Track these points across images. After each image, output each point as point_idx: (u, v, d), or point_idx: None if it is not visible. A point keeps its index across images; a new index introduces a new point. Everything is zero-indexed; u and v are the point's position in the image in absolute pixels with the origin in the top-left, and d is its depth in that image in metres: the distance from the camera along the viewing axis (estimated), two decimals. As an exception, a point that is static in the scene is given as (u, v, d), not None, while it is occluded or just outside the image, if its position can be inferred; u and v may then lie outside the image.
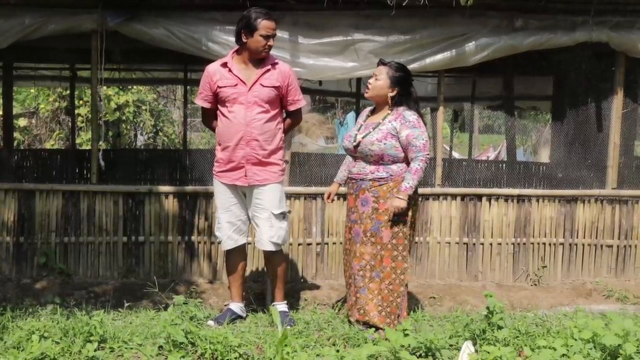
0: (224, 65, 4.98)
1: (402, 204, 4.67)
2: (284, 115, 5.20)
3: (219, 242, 5.20)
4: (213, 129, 5.21)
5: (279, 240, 5.03)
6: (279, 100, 5.03)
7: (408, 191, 4.68)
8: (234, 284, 5.16)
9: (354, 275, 4.86)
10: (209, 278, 6.34)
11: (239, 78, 4.92)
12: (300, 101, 5.17)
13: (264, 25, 4.81)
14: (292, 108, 5.14)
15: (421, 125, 4.75)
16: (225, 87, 4.93)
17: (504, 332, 4.35)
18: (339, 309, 5.47)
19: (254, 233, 5.23)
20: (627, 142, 7.31)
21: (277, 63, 5.02)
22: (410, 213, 4.81)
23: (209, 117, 5.19)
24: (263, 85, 4.91)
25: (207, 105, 5.10)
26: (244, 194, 5.05)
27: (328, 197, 5.29)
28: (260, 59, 4.95)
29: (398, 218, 4.73)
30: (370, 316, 4.77)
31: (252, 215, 5.05)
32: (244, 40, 4.87)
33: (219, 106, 5.03)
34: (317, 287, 6.17)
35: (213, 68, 5.03)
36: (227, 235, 5.05)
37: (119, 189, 6.38)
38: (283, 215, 5.05)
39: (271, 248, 5.02)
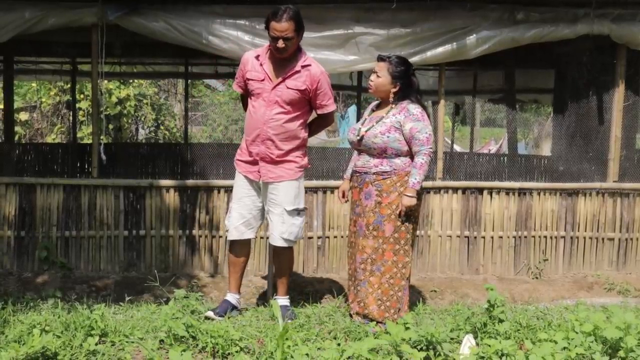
0: (257, 57, 4.88)
1: (412, 201, 4.67)
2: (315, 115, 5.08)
3: (227, 231, 5.12)
4: None
5: (290, 236, 4.96)
6: (305, 102, 4.89)
7: (416, 187, 4.66)
8: (234, 275, 5.14)
9: (356, 268, 4.86)
10: (210, 272, 6.34)
11: (267, 74, 4.81)
12: (329, 106, 4.99)
13: (271, 27, 4.68)
14: (320, 112, 5.00)
15: (425, 119, 4.74)
16: (252, 80, 4.84)
17: (505, 325, 4.35)
18: (340, 303, 5.47)
19: (264, 227, 5.19)
20: (628, 135, 7.31)
21: (309, 65, 4.87)
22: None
23: (246, 102, 5.09)
24: (287, 87, 4.79)
25: (240, 91, 5.06)
26: (259, 188, 4.98)
27: (343, 196, 5.19)
28: (290, 58, 4.82)
29: (408, 217, 4.73)
30: (369, 309, 4.76)
31: (267, 210, 5.00)
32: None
33: (249, 97, 4.96)
34: (318, 281, 6.18)
35: (247, 57, 4.94)
36: (235, 226, 4.99)
37: (120, 183, 6.38)
38: (297, 212, 4.96)
39: (281, 244, 4.97)
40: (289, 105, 4.81)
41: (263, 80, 4.82)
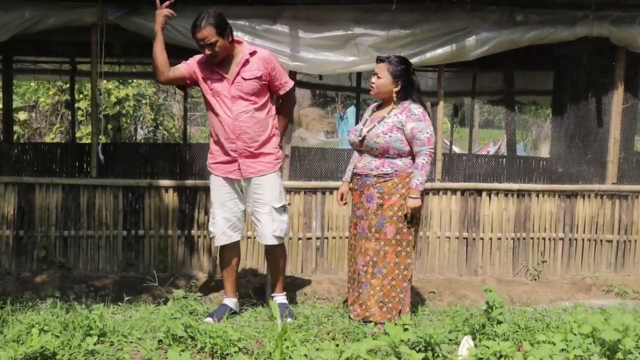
0: (204, 61, 4.91)
1: (417, 202, 4.68)
2: (278, 100, 5.13)
3: (212, 237, 5.14)
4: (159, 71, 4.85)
5: (281, 233, 5.01)
6: (266, 88, 4.93)
7: (419, 188, 4.68)
8: (228, 280, 5.15)
9: (358, 271, 4.85)
10: (209, 272, 6.34)
11: (220, 73, 4.85)
12: (289, 83, 5.06)
13: (196, 37, 4.73)
14: (282, 92, 5.03)
15: (426, 119, 4.74)
16: (208, 80, 4.87)
17: (504, 326, 4.36)
18: (338, 304, 5.47)
19: (254, 227, 5.22)
20: (627, 137, 7.32)
21: (255, 52, 4.91)
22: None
23: (169, 69, 4.87)
24: (245, 78, 4.83)
25: (183, 67, 4.91)
26: (241, 190, 5.02)
27: (341, 199, 5.19)
28: (235, 52, 4.87)
29: (410, 219, 4.74)
30: (371, 312, 4.76)
31: (251, 211, 5.02)
32: None
33: (208, 99, 4.94)
34: (317, 282, 6.18)
35: (200, 58, 4.94)
36: (222, 231, 5.00)
37: (119, 183, 6.37)
38: (284, 208, 5.02)
39: (274, 242, 5.00)
40: (253, 95, 4.85)
41: (219, 79, 4.85)
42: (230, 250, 5.12)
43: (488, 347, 3.92)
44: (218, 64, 4.85)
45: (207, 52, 4.73)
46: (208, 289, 5.93)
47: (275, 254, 5.13)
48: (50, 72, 11.91)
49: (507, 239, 6.66)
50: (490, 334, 4.35)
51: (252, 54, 4.89)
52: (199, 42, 4.74)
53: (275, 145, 5.00)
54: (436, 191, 6.56)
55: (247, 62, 4.85)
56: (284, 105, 5.17)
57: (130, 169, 9.97)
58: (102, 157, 6.35)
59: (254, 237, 6.26)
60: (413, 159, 4.76)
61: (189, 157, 10.23)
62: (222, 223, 5.00)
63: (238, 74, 4.83)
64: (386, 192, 4.73)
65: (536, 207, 6.68)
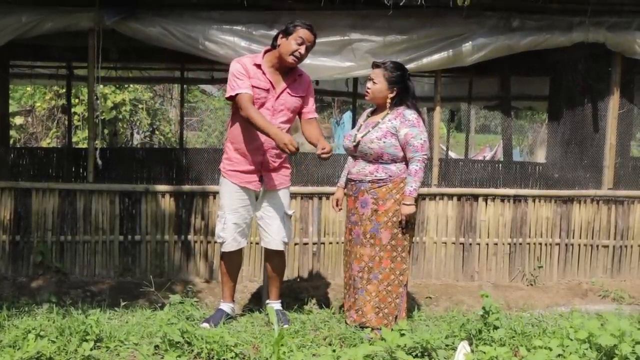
0: (257, 65, 4.83)
1: (412, 209, 4.69)
2: (301, 125, 5.16)
3: (222, 243, 5.03)
4: (252, 118, 4.71)
5: (289, 240, 5.11)
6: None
7: (413, 194, 4.68)
8: (229, 285, 5.14)
9: (353, 277, 4.85)
10: (206, 277, 6.34)
11: (271, 82, 4.83)
12: (315, 111, 5.14)
13: (302, 32, 4.72)
14: (309, 116, 5.05)
15: (420, 125, 4.75)
16: (257, 88, 4.79)
17: (500, 332, 4.36)
18: (335, 309, 5.47)
19: (257, 233, 5.22)
20: (623, 143, 7.32)
21: (302, 73, 4.99)
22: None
23: (251, 102, 4.75)
24: (291, 95, 4.88)
25: (251, 91, 4.77)
26: (256, 198, 5.00)
27: (337, 205, 5.21)
28: (288, 68, 4.86)
29: (406, 224, 4.74)
30: (367, 318, 4.76)
31: (261, 216, 5.02)
32: (278, 42, 4.79)
33: None
34: (314, 287, 6.17)
35: (246, 63, 4.83)
36: (232, 236, 4.98)
37: (116, 188, 6.37)
38: (290, 216, 5.13)
39: (282, 247, 5.06)
40: (292, 112, 4.92)
41: (268, 89, 4.83)
42: (236, 256, 5.13)
43: (485, 353, 3.93)
44: (275, 72, 4.86)
45: (303, 52, 4.77)
46: (204, 294, 5.92)
47: (278, 259, 5.16)
48: (46, 77, 11.89)
49: (503, 244, 6.67)
50: (486, 340, 4.35)
51: (300, 74, 4.97)
52: (304, 40, 4.74)
53: (287, 160, 5.09)
54: (432, 196, 6.57)
55: (295, 80, 4.92)
56: (314, 130, 5.05)
57: (126, 174, 9.93)
58: (100, 162, 6.34)
59: (255, 243, 6.26)
60: (407, 164, 4.76)
61: (185, 162, 10.19)
62: (232, 229, 4.97)
63: (286, 88, 4.87)
64: (380, 198, 4.73)
65: (532, 213, 6.69)
